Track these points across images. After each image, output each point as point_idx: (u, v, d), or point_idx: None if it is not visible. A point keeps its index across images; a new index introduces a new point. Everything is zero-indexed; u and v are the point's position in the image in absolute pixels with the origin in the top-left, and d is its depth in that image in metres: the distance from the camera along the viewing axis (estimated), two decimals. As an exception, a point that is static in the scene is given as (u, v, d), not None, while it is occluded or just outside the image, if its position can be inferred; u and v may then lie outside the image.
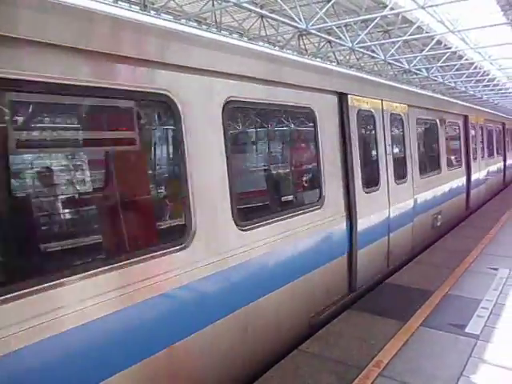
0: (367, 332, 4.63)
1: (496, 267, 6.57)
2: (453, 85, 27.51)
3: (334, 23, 14.47)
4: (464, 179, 11.15)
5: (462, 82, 27.47)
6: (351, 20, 14.79)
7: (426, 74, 22.78)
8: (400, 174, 7.17)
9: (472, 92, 31.35)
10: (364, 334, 4.58)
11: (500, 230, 9.18)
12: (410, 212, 7.48)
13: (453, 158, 10.67)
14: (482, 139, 13.36)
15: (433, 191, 8.76)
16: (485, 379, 3.67)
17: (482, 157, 13.09)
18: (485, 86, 29.71)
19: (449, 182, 9.86)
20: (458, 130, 11.05)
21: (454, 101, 12.54)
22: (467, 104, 13.62)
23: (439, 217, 9.18)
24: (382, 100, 6.61)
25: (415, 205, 7.71)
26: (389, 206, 6.64)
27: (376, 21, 14.60)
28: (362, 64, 22.65)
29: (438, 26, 15.59)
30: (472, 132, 11.99)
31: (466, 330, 4.55)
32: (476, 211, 11.79)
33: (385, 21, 16.49)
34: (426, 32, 16.54)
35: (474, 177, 11.80)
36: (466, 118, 11.55)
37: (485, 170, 13.35)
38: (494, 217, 10.58)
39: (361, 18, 14.53)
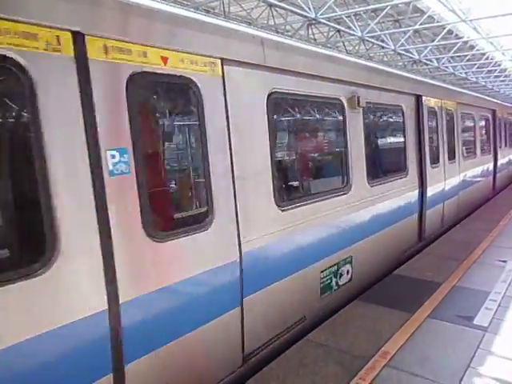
0: (374, 323, 4.63)
1: (505, 259, 6.53)
2: (464, 75, 27.13)
3: (344, 12, 14.26)
4: (492, 164, 13.24)
5: (472, 72, 27.09)
6: (361, 9, 14.57)
7: (436, 65, 22.49)
8: (451, 155, 9.20)
9: (483, 83, 30.93)
10: (371, 325, 4.57)
11: (509, 223, 9.11)
12: (456, 186, 9.48)
13: (485, 145, 12.59)
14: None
15: (472, 171, 10.76)
16: (492, 371, 3.65)
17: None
18: (496, 76, 29.29)
19: (482, 165, 11.99)
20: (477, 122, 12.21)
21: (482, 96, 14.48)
22: (495, 100, 15.36)
23: (475, 193, 11.17)
24: (441, 99, 8.73)
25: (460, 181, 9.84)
26: (444, 179, 8.69)
27: (386, 10, 14.36)
28: (372, 54, 22.39)
29: (449, 15, 15.32)
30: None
31: (474, 322, 4.53)
32: (502, 189, 14.36)
33: (395, 10, 16.22)
34: (437, 21, 16.28)
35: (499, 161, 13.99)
36: (494, 111, 13.59)
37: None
38: (505, 210, 10.52)
39: (371, 7, 14.31)
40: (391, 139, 7.77)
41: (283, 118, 5.15)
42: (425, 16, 15.20)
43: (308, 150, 5.74)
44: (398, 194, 6.70)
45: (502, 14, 13.92)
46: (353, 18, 15.48)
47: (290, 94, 4.51)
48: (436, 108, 8.45)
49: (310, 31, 17.98)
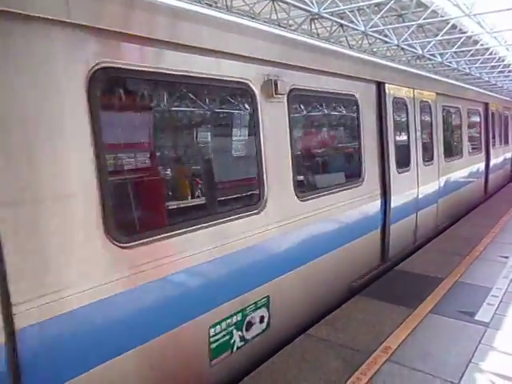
0: (376, 318, 4.63)
1: (507, 255, 6.52)
2: (467, 71, 26.99)
3: (347, 7, 14.18)
4: (483, 164, 12.08)
5: (476, 67, 26.94)
6: (364, 4, 14.47)
7: (439, 60, 22.36)
8: (427, 156, 8.09)
9: (487, 78, 30.77)
10: (372, 320, 4.58)
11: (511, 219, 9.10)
12: (434, 193, 8.39)
13: (474, 143, 11.63)
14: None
15: (456, 174, 9.69)
16: (494, 366, 3.65)
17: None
18: (500, 72, 29.12)
19: (470, 166, 10.81)
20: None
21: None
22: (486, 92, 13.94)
23: (461, 198, 10.07)
24: (413, 89, 7.43)
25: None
26: (417, 186, 7.64)
27: (390, 4, 14.27)
28: (375, 49, 22.29)
29: (453, 9, 15.21)
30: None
31: (476, 318, 4.53)
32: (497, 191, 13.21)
33: (399, 4, 16.11)
34: (441, 16, 16.18)
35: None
36: (486, 105, 12.39)
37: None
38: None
39: (374, 1, 14.21)
40: (338, 138, 6.56)
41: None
42: (428, 10, 15.11)
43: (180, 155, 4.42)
44: (348, 208, 5.34)
45: (507, 8, 13.80)
46: (356, 12, 15.39)
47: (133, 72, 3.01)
48: (406, 99, 7.08)
49: (312, 26, 17.91)
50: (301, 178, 4.85)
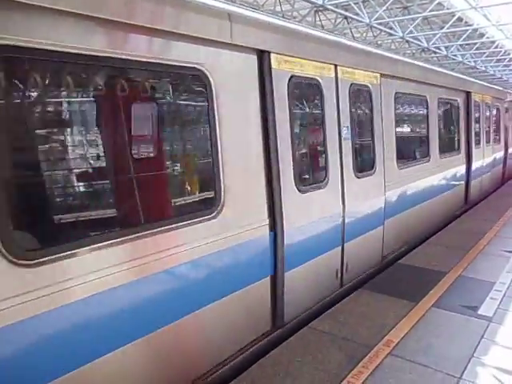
0: (378, 311, 4.62)
1: (510, 250, 6.50)
2: (472, 64, 26.78)
3: (352, -1, 14.09)
4: (463, 168, 9.84)
5: (481, 61, 26.73)
6: (369, -5, 14.39)
7: (445, 53, 22.19)
8: (361, 165, 5.84)
9: (492, 72, 30.54)
10: (375, 314, 4.57)
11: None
12: (371, 216, 6.06)
13: (449, 142, 9.42)
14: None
15: (416, 185, 7.42)
16: (496, 361, 3.65)
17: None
18: (505, 65, 28.89)
19: (441, 172, 8.57)
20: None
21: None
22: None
23: (425, 214, 7.88)
24: (333, 64, 5.13)
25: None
26: (343, 207, 5.33)
27: (395, -4, 14.19)
28: (380, 42, 22.13)
29: (459, 1, 15.05)
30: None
31: (479, 312, 4.52)
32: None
33: (404, -4, 16.03)
34: (447, 8, 16.02)
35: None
36: (468, 94, 10.00)
37: None
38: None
39: (379, -7, 14.12)
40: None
41: None
42: (434, 3, 14.95)
43: None
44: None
45: (514, 1, 13.64)
46: (361, 4, 15.23)
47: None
48: (319, 79, 4.82)
49: (317, 18, 17.77)
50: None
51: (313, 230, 4.73)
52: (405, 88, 7.01)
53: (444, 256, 6.33)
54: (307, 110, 5.36)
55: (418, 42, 19.76)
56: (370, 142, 5.97)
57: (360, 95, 5.82)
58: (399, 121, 7.18)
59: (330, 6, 14.04)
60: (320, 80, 4.84)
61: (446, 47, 21.74)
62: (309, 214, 4.67)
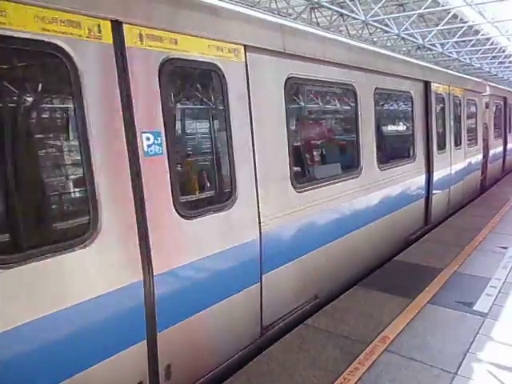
0: (374, 308, 4.63)
1: (505, 246, 6.53)
2: (468, 61, 26.84)
3: (347, -4, 14.08)
4: (422, 179, 7.75)
5: (477, 58, 26.79)
6: (365, -8, 14.40)
7: (440, 50, 22.22)
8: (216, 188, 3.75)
9: (488, 69, 30.62)
10: (371, 311, 4.58)
11: (511, 209, 9.09)
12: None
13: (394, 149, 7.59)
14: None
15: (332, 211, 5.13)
16: (491, 356, 3.66)
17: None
18: (500, 62, 28.97)
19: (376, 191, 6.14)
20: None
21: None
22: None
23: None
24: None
25: None
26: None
27: (390, -7, 14.19)
28: (375, 39, 22.13)
29: (454, -1, 15.12)
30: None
31: (474, 308, 4.54)
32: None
33: (400, -7, 16.05)
34: (442, 5, 16.05)
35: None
36: (427, 85, 7.89)
37: None
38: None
39: (375, -10, 14.13)
40: None
41: None
42: (429, 0, 14.98)
43: None
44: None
45: (508, -3, 13.67)
46: (356, 1, 15.25)
47: None
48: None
49: (312, 15, 17.76)
50: None
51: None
52: (312, 71, 4.71)
53: (440, 252, 6.34)
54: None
55: (414, 39, 19.79)
56: (226, 156, 3.63)
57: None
58: (299, 121, 5.17)
59: (325, 3, 14.03)
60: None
61: (442, 44, 21.76)
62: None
